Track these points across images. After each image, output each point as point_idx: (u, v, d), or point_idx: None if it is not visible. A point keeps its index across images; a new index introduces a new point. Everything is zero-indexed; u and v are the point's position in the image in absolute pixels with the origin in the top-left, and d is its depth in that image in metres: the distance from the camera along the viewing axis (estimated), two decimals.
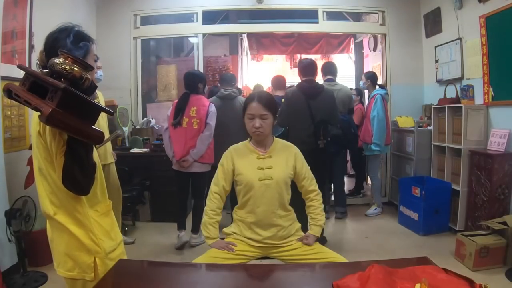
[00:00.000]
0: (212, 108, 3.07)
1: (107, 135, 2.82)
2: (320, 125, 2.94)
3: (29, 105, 0.94)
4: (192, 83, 3.10)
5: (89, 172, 1.09)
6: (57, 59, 1.01)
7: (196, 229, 3.16)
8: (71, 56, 1.02)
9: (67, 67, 1.00)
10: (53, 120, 0.90)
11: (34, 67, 1.17)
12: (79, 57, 1.11)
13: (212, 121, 3.04)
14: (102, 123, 2.77)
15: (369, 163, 4.08)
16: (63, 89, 0.91)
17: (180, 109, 3.02)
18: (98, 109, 1.03)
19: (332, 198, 4.08)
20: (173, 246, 3.16)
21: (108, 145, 2.94)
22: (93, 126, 1.02)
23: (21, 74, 1.03)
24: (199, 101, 3.04)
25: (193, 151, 2.98)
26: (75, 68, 1.01)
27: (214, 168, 2.21)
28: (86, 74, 1.04)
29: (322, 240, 2.82)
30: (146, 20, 4.41)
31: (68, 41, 1.15)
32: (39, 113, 0.92)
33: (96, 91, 1.40)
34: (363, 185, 4.86)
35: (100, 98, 2.89)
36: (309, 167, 1.82)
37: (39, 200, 1.19)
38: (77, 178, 1.06)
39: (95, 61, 1.30)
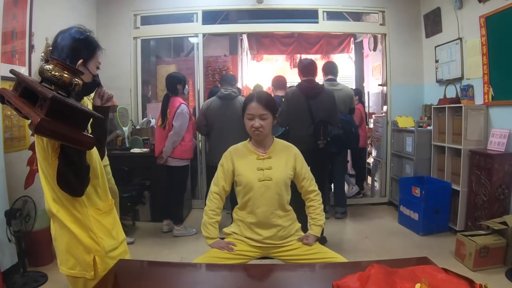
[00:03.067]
0: (180, 109, 3.25)
1: None
2: (320, 125, 2.94)
3: (20, 113, 0.94)
4: (171, 85, 3.35)
5: (82, 174, 1.10)
6: (47, 66, 1.02)
7: (177, 220, 3.43)
8: (60, 62, 1.03)
9: (56, 73, 1.01)
10: (42, 129, 0.90)
11: (38, 65, 1.19)
12: (82, 59, 1.12)
13: (177, 122, 3.24)
14: None
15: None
16: (51, 98, 0.90)
17: (164, 111, 3.30)
18: (88, 115, 1.03)
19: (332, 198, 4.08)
20: (173, 246, 3.18)
21: None
22: (83, 132, 1.02)
23: None
24: (172, 103, 3.29)
25: (163, 149, 3.28)
26: (65, 74, 1.02)
27: (213, 168, 2.22)
28: (76, 79, 1.05)
29: (322, 240, 2.82)
30: (146, 20, 4.41)
31: (73, 43, 1.16)
32: (29, 122, 0.91)
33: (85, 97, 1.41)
34: (363, 185, 4.86)
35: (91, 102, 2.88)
36: (309, 168, 1.82)
37: (44, 198, 1.20)
38: (70, 180, 1.08)
39: (97, 68, 1.31)
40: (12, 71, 1.07)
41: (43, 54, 1.03)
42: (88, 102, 1.90)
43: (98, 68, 1.32)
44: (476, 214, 3.06)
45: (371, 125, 5.05)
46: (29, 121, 0.90)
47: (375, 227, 3.65)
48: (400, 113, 4.24)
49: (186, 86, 3.47)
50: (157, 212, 3.74)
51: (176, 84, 3.34)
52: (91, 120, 1.13)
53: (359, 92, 4.82)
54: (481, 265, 2.57)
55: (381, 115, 4.70)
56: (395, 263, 1.16)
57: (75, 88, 1.05)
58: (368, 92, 6.24)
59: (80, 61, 1.17)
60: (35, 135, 1.15)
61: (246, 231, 1.71)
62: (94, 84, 1.31)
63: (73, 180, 1.08)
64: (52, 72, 1.00)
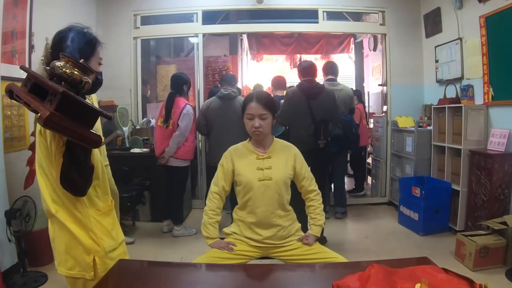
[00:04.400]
0: (186, 110, 3.24)
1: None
2: (320, 125, 2.94)
3: (29, 107, 0.95)
4: (177, 84, 3.36)
5: (86, 174, 1.10)
6: (58, 62, 1.01)
7: (177, 220, 3.42)
8: (72, 59, 1.03)
9: (67, 70, 1.01)
10: (50, 123, 0.90)
11: (37, 65, 1.19)
12: (82, 58, 1.12)
13: (183, 122, 3.23)
14: (96, 125, 2.77)
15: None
16: (61, 93, 0.91)
17: (168, 110, 3.26)
18: (96, 113, 1.03)
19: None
20: (173, 246, 3.17)
21: (103, 147, 2.94)
22: (91, 130, 1.02)
23: (21, 74, 1.04)
24: (177, 103, 3.27)
25: (166, 149, 3.26)
26: (76, 72, 1.02)
27: (213, 168, 2.22)
28: (86, 77, 1.05)
29: (322, 240, 2.82)
30: (146, 20, 4.41)
31: (73, 42, 1.16)
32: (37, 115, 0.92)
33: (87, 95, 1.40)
34: (363, 185, 4.86)
35: (94, 100, 2.88)
36: (308, 167, 1.82)
37: (42, 198, 1.19)
38: (74, 179, 1.07)
39: (99, 64, 1.30)
40: (22, 67, 1.07)
41: (43, 57, 1.02)
42: (87, 101, 1.88)
43: (100, 64, 1.31)
44: (476, 214, 3.06)
45: (371, 125, 5.06)
46: (38, 115, 0.90)
47: (375, 227, 3.65)
48: (400, 113, 4.24)
49: (190, 89, 3.48)
50: (157, 212, 3.74)
51: (182, 85, 3.36)
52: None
53: (359, 93, 4.83)
54: (481, 265, 2.57)
55: (381, 115, 4.70)
56: (395, 263, 1.16)
57: (85, 87, 1.05)
58: (368, 92, 6.25)
59: (81, 60, 1.17)
60: (35, 134, 1.15)
61: (246, 231, 1.71)
62: (97, 82, 1.30)
63: (77, 179, 1.07)
64: (63, 69, 1.00)
